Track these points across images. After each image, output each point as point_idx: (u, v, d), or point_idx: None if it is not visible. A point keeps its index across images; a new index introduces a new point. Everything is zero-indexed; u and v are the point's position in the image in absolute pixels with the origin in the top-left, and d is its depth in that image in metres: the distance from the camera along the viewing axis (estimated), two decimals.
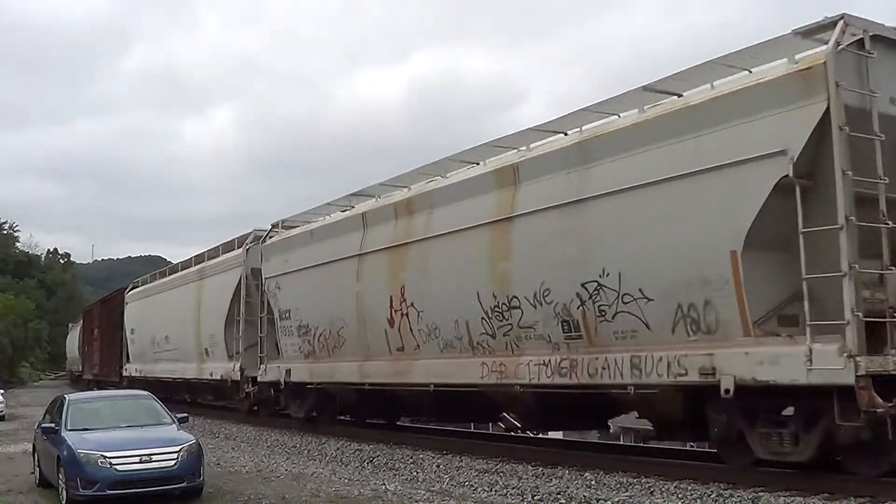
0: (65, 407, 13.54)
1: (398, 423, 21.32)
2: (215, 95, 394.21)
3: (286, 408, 22.60)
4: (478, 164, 16.12)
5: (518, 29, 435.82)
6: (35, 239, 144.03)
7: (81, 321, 58.71)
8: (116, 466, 11.77)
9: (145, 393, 15.61)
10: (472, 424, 27.18)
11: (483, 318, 14.56)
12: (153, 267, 55.76)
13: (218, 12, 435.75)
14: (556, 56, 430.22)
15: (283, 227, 22.83)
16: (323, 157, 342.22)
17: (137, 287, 38.71)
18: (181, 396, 34.27)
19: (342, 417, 21.64)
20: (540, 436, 18.56)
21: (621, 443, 18.73)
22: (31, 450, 15.29)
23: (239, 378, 24.38)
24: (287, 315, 21.40)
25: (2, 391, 35.55)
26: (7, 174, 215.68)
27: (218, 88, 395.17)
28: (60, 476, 12.33)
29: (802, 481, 10.70)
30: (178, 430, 13.12)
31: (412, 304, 16.37)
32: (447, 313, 15.46)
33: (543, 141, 14.50)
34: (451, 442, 17.59)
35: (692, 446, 16.08)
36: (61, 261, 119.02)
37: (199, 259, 30.40)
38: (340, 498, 12.13)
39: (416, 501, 11.51)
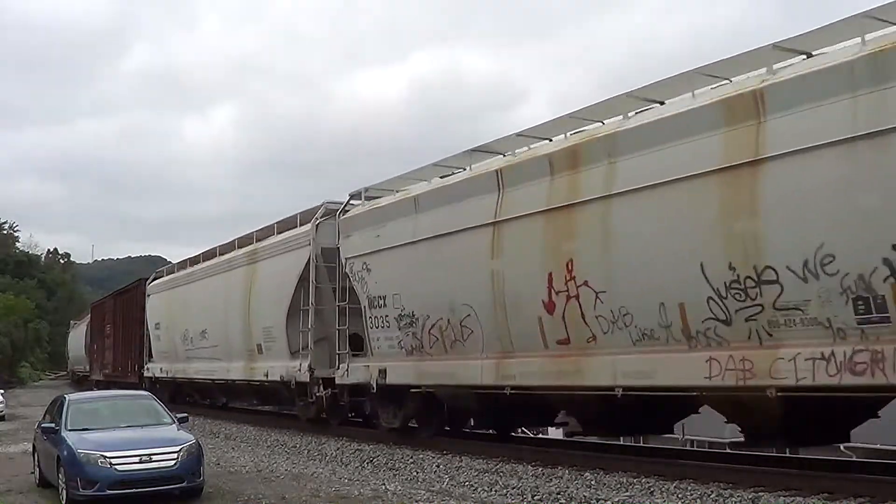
0: (65, 407, 13.46)
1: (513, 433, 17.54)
2: (215, 95, 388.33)
3: (374, 416, 18.63)
4: (662, 103, 12.44)
5: (518, 29, 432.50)
6: (35, 239, 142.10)
7: (88, 317, 54.42)
8: (116, 466, 11.75)
9: (145, 393, 15.54)
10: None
11: (711, 299, 10.76)
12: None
13: (218, 12, 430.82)
14: (556, 56, 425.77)
15: (366, 198, 18.88)
16: (323, 157, 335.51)
17: (162, 277, 33.90)
18: (218, 400, 30.40)
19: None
20: (540, 436, 17.00)
21: (621, 443, 16.68)
22: (31, 450, 15.19)
23: (308, 379, 19.94)
24: (380, 302, 17.40)
25: (2, 391, 34.74)
26: (7, 174, 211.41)
27: (218, 88, 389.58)
28: (60, 476, 12.32)
29: (802, 481, 10.54)
30: (178, 430, 13.09)
31: (585, 283, 12.53)
32: (645, 293, 11.64)
33: (789, 61, 10.80)
34: (451, 442, 16.81)
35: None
36: (61, 261, 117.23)
37: (244, 241, 25.63)
38: (340, 498, 12.10)
39: (416, 501, 11.47)
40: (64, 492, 12.20)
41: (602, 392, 12.37)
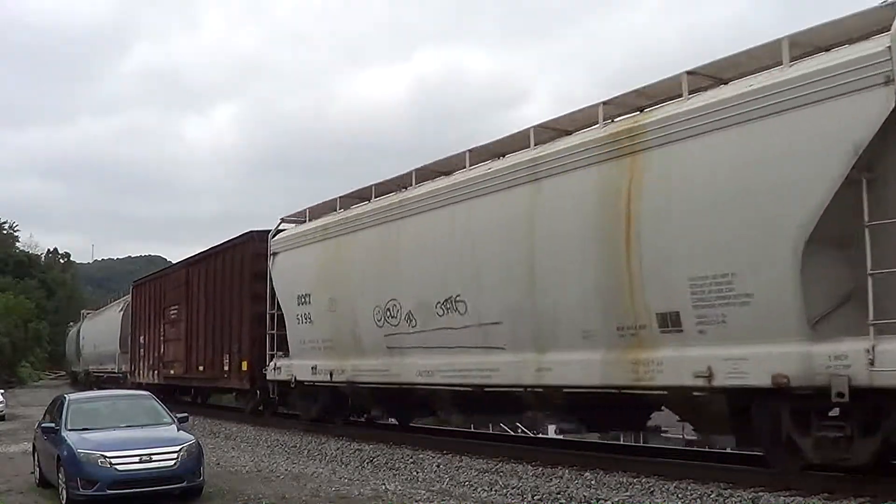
0: (65, 407, 13.46)
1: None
2: (216, 95, 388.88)
3: None
4: None
5: (520, 28, 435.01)
6: (35, 239, 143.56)
7: (126, 301, 42.73)
8: (116, 466, 11.76)
9: (146, 393, 15.35)
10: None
11: None
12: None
13: (219, 11, 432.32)
14: (557, 55, 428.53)
15: None
16: (325, 156, 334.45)
17: (304, 223, 21.50)
18: (448, 418, 20.45)
19: None
20: (540, 436, 16.30)
21: (621, 443, 16.72)
22: (31, 450, 15.20)
23: None
24: None
25: (2, 391, 34.42)
26: (7, 174, 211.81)
27: (219, 88, 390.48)
28: (60, 476, 12.33)
29: (802, 481, 10.56)
30: (178, 429, 13.09)
31: None
32: None
33: None
34: (451, 442, 16.81)
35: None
36: (61, 261, 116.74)
37: (543, 133, 14.07)
38: (340, 498, 12.10)
39: (416, 501, 11.48)
40: (64, 492, 12.18)
41: None
